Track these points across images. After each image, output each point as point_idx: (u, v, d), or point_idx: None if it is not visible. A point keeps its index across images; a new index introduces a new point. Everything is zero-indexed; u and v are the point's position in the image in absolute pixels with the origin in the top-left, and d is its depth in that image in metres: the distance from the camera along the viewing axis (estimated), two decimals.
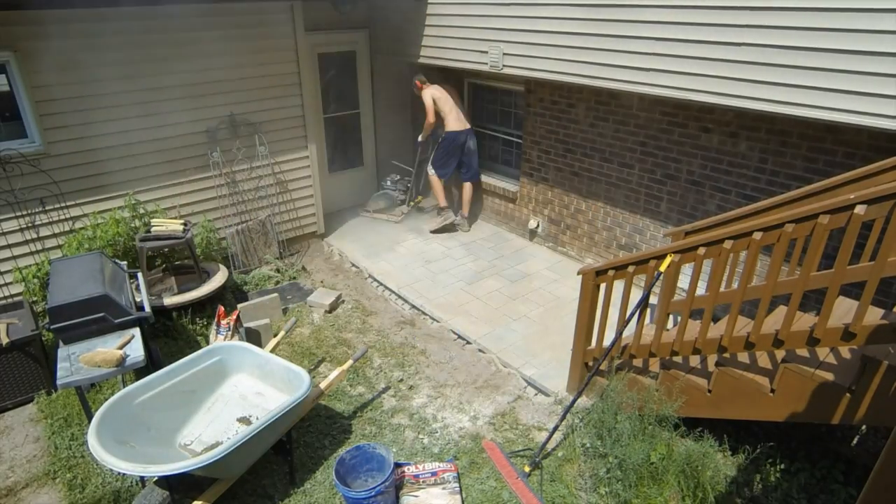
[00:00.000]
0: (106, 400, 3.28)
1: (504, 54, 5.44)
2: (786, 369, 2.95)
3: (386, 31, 6.88)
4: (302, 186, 6.44)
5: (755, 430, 3.74)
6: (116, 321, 3.76)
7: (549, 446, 3.69)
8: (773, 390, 3.04)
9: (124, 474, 3.35)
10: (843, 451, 3.55)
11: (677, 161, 4.94)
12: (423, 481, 3.37)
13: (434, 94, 6.58)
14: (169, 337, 4.85)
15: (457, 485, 3.36)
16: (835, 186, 3.26)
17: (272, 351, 4.04)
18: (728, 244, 2.95)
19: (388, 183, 7.45)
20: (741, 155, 4.50)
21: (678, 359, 3.62)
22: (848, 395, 2.76)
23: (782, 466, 3.45)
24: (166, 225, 5.02)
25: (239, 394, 3.69)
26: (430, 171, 6.89)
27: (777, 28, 3.55)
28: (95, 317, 3.68)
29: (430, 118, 6.63)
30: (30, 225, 4.81)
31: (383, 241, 6.80)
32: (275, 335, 4.51)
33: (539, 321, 5.13)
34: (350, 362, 3.97)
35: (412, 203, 7.42)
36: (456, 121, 6.59)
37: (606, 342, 3.76)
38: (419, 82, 6.73)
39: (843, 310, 3.20)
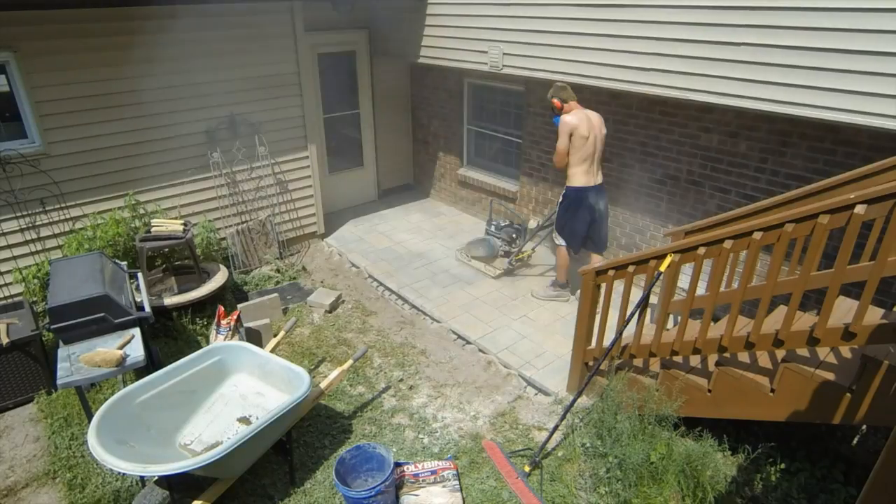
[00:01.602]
0: (106, 400, 3.28)
1: (504, 54, 5.44)
2: (786, 369, 2.95)
3: (386, 31, 6.88)
4: (302, 187, 6.44)
5: (755, 430, 3.74)
6: (116, 321, 3.76)
7: (549, 446, 3.69)
8: (773, 390, 3.04)
9: (124, 474, 3.35)
10: (843, 450, 3.55)
11: (677, 161, 4.94)
12: (422, 480, 3.37)
13: (572, 121, 4.69)
14: (169, 337, 4.86)
15: (457, 482, 3.36)
16: (835, 186, 3.26)
17: (272, 351, 4.04)
18: (728, 244, 2.95)
19: (493, 228, 6.22)
20: (741, 155, 4.50)
21: (678, 358, 3.62)
22: (848, 394, 2.76)
23: (782, 466, 3.45)
24: (166, 225, 5.02)
25: (239, 394, 3.69)
26: (559, 241, 5.19)
27: (777, 28, 3.56)
28: (95, 317, 3.68)
29: (559, 158, 4.84)
30: (30, 225, 4.81)
31: (383, 241, 6.80)
32: (275, 335, 4.51)
33: (539, 321, 5.12)
34: (350, 362, 3.97)
35: (518, 257, 5.96)
36: (585, 172, 4.84)
37: (606, 342, 3.76)
38: (557, 101, 4.80)
39: (843, 310, 3.21)
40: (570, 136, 4.69)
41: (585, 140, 4.68)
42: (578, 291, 4.09)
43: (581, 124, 4.66)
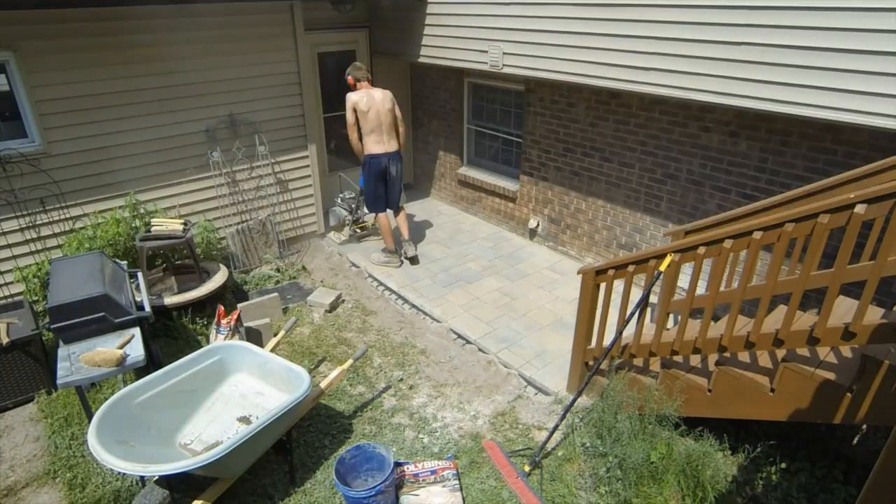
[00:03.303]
0: (106, 399, 3.28)
1: (504, 54, 5.44)
2: (786, 369, 2.95)
3: (386, 30, 6.88)
4: (302, 186, 6.44)
5: (755, 430, 3.74)
6: (116, 321, 3.76)
7: (549, 446, 3.70)
8: (773, 390, 3.04)
9: (124, 474, 3.35)
10: (843, 450, 3.55)
11: (677, 160, 4.94)
12: (422, 480, 3.37)
13: (353, 98, 5.50)
14: (169, 337, 4.86)
15: (457, 482, 3.36)
16: (835, 186, 3.26)
17: (272, 350, 4.05)
18: (728, 243, 2.95)
19: (339, 200, 6.75)
20: (741, 154, 4.49)
21: (678, 358, 3.62)
22: (848, 394, 2.76)
23: (783, 466, 3.45)
24: (166, 225, 5.02)
25: (239, 393, 3.69)
26: (366, 210, 6.26)
27: (777, 27, 3.55)
28: (95, 316, 3.68)
29: (348, 130, 5.60)
30: (30, 225, 4.81)
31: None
32: (275, 335, 4.51)
33: (539, 321, 5.12)
34: (350, 362, 3.97)
35: (355, 227, 6.77)
36: (375, 142, 5.62)
37: (606, 342, 3.76)
38: (351, 78, 5.60)
39: (843, 309, 3.20)
40: (354, 110, 5.46)
41: (366, 114, 5.46)
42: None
43: (361, 100, 5.43)
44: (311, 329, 5.14)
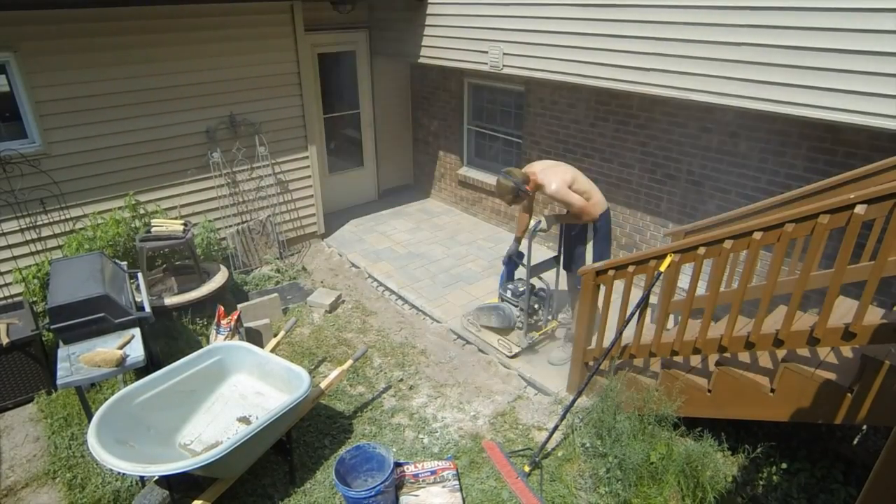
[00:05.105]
0: (106, 400, 3.28)
1: (504, 54, 5.44)
2: (786, 369, 2.95)
3: (386, 31, 6.88)
4: (302, 187, 6.44)
5: (755, 430, 3.73)
6: (116, 321, 3.76)
7: (549, 446, 3.69)
8: (773, 390, 3.04)
9: (124, 474, 3.35)
10: (843, 450, 3.55)
11: (677, 161, 4.94)
12: (422, 480, 3.37)
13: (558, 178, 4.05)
14: (169, 337, 4.85)
15: (456, 482, 3.36)
16: (835, 186, 3.26)
17: (272, 351, 4.04)
18: (728, 244, 2.95)
19: (509, 293, 4.70)
20: (741, 155, 4.49)
21: (678, 358, 3.62)
22: (849, 395, 2.76)
23: (783, 466, 3.45)
24: (166, 225, 5.02)
25: (239, 393, 3.69)
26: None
27: (777, 28, 3.55)
28: (95, 317, 3.68)
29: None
30: (30, 225, 4.81)
31: (383, 241, 6.80)
32: (275, 335, 4.50)
33: None
34: (350, 362, 3.97)
35: (543, 330, 4.73)
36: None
37: (606, 342, 3.75)
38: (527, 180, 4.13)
39: (843, 309, 3.20)
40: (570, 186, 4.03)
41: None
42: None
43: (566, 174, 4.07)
44: (311, 329, 5.14)
